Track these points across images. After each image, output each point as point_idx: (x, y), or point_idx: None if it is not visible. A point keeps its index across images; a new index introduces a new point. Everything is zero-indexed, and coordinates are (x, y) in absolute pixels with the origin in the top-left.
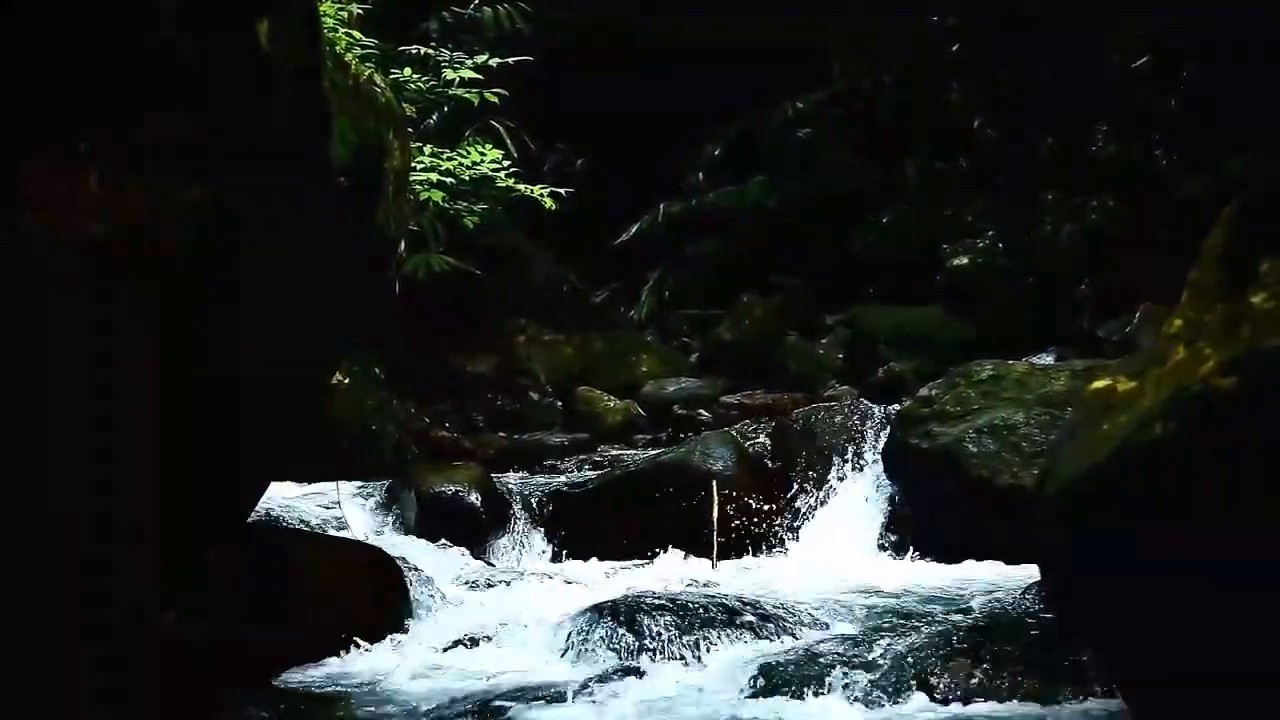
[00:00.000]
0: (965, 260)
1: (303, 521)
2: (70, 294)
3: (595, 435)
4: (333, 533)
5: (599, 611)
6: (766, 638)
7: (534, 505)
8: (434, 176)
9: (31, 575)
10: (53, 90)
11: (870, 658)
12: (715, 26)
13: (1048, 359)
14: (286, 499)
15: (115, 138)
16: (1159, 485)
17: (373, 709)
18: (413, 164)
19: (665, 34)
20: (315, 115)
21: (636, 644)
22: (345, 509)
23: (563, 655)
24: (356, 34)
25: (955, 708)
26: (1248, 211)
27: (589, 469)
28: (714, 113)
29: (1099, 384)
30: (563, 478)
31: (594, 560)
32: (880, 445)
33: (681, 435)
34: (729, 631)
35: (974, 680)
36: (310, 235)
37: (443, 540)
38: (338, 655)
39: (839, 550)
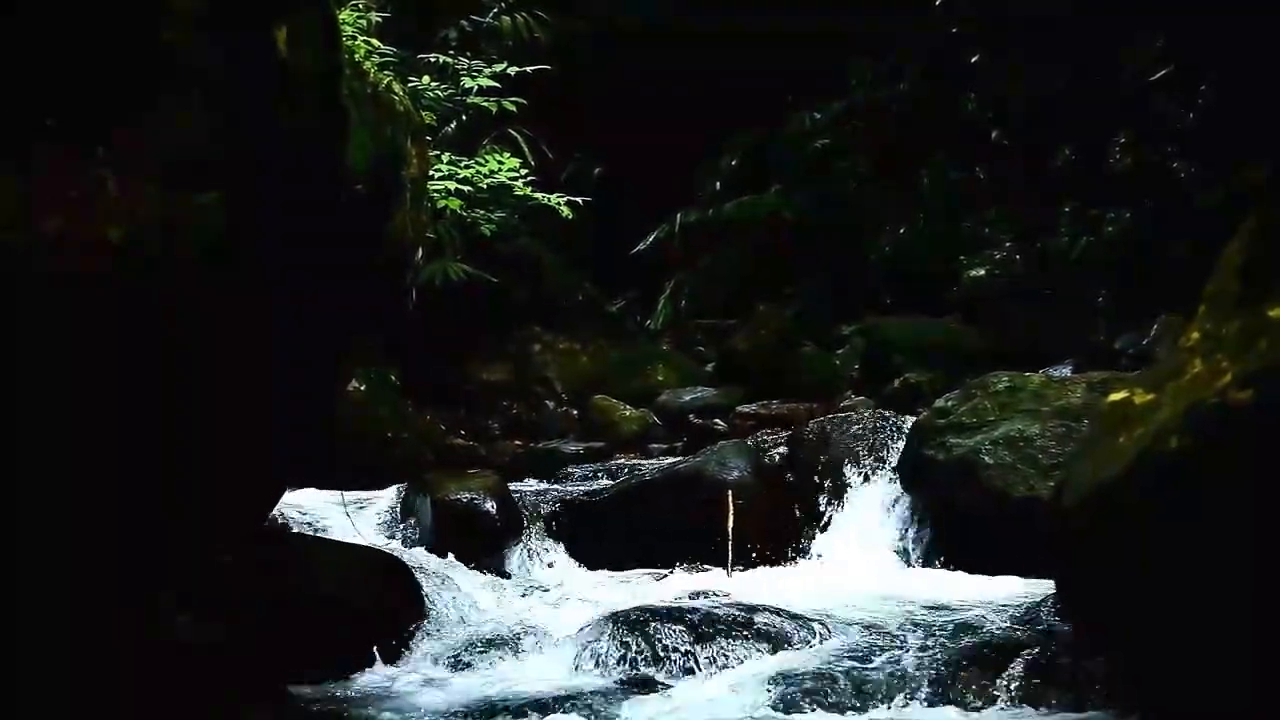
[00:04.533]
0: (982, 271)
1: (317, 528)
2: (83, 296)
3: (610, 444)
4: (348, 540)
5: (614, 621)
6: (782, 648)
7: (549, 514)
8: (452, 184)
9: (38, 576)
10: (67, 92)
11: (886, 668)
12: (733, 36)
13: (1064, 371)
14: (302, 505)
15: (131, 140)
16: (1176, 497)
17: None
18: (431, 172)
19: (683, 43)
20: (332, 121)
21: (651, 654)
22: (353, 518)
23: (577, 666)
24: (375, 42)
25: (972, 719)
26: (1266, 224)
27: (604, 478)
28: (730, 123)
29: (1116, 396)
30: (578, 486)
31: (609, 570)
32: (896, 456)
33: (697, 445)
34: (745, 642)
35: (991, 692)
36: (326, 241)
37: (457, 548)
38: (352, 664)
39: (854, 561)
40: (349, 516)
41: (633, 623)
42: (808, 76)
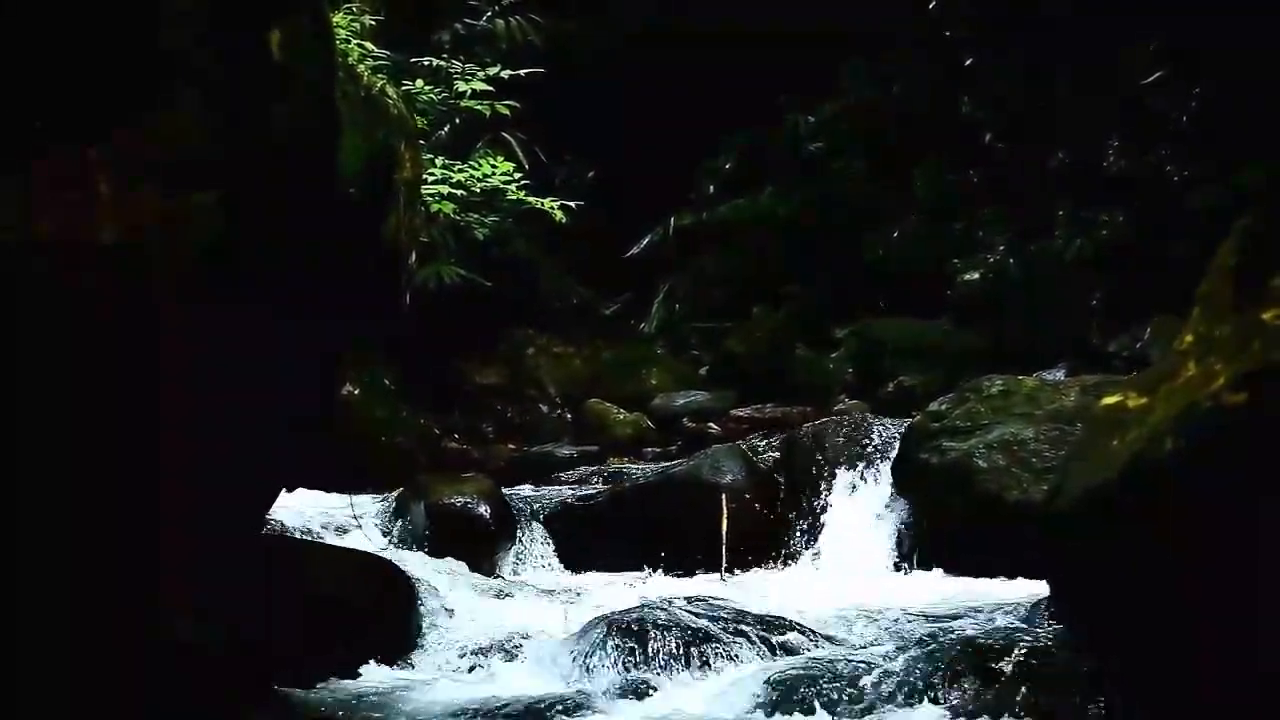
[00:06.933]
0: (976, 274)
1: (315, 530)
2: (82, 296)
3: (604, 447)
4: (342, 543)
5: (607, 625)
6: (775, 652)
7: (542, 517)
8: (445, 188)
9: (38, 576)
10: (67, 93)
11: (879, 673)
12: (730, 36)
13: (1058, 374)
14: (299, 506)
15: (130, 140)
16: (1169, 501)
17: None
18: (424, 175)
19: (680, 43)
20: (328, 122)
21: (645, 658)
22: (354, 520)
23: (571, 669)
24: (369, 45)
25: None
26: (1259, 225)
27: (598, 481)
28: (725, 125)
29: (1110, 399)
30: (571, 490)
31: (602, 573)
32: (890, 460)
33: (691, 448)
34: (738, 645)
35: (982, 696)
36: (323, 242)
37: (452, 551)
38: (348, 665)
39: (848, 564)
40: (356, 521)
41: (626, 626)
42: (805, 77)
